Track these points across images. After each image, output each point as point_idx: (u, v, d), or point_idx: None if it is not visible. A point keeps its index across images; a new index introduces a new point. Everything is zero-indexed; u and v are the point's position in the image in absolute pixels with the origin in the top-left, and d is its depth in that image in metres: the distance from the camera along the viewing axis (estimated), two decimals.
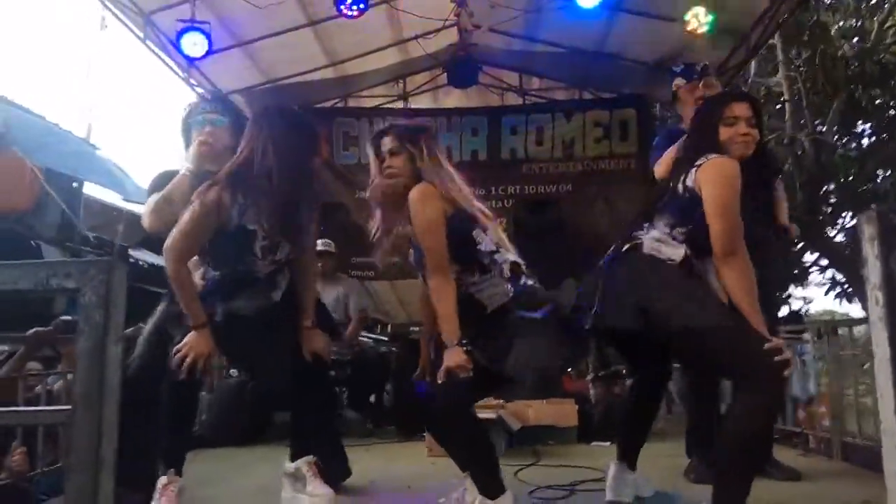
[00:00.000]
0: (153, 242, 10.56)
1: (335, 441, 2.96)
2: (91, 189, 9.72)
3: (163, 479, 2.23)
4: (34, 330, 3.00)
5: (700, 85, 3.08)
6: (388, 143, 2.33)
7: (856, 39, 7.24)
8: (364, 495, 2.89)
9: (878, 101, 7.56)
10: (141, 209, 9.38)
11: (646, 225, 2.25)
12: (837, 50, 6.94)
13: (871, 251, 0.63)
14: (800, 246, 8.71)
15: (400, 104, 6.83)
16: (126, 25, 4.56)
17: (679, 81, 3.19)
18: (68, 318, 3.66)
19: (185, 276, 2.21)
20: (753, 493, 1.95)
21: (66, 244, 8.94)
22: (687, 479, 2.97)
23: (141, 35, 4.63)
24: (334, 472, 2.76)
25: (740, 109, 2.25)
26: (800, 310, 10.44)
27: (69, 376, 3.25)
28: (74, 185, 9.39)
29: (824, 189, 9.19)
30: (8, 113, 8.32)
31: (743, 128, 2.22)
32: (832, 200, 9.58)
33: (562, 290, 5.14)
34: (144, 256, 9.96)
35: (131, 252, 9.50)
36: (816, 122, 7.70)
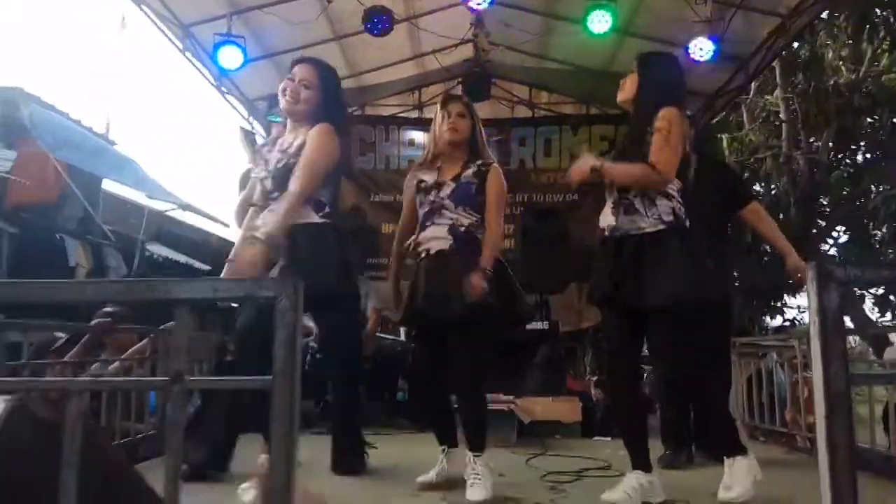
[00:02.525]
0: (167, 237, 10.92)
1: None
2: (107, 185, 10.04)
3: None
4: (97, 320, 3.30)
5: None
6: (458, 107, 2.89)
7: (847, 69, 7.63)
8: (387, 476, 3.20)
9: (867, 130, 7.93)
10: (158, 205, 9.62)
11: None
12: (829, 81, 7.30)
13: (811, 287, 0.95)
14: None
15: (415, 113, 7.14)
16: (167, 37, 4.88)
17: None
18: (109, 309, 3.94)
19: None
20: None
21: (86, 237, 9.25)
22: (660, 467, 3.24)
23: (181, 46, 4.95)
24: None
25: None
26: (793, 319, 10.78)
27: (112, 366, 3.57)
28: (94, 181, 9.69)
29: (819, 203, 9.55)
30: (33, 110, 8.61)
31: None
32: (827, 213, 9.92)
33: (565, 294, 5.41)
34: (159, 250, 10.30)
35: (147, 246, 9.82)
36: (812, 140, 8.04)
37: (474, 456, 2.69)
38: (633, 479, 2.54)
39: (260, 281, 0.99)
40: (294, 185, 2.64)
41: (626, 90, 2.72)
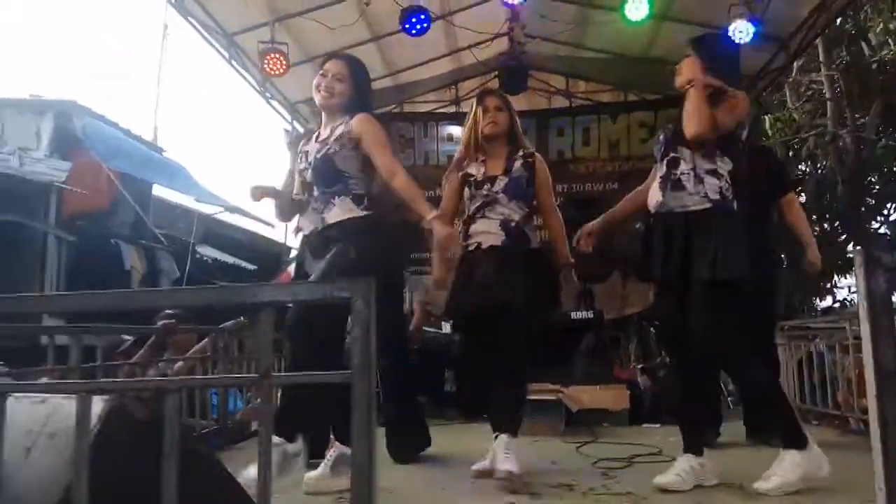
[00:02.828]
0: (215, 239, 11.22)
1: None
2: (158, 190, 10.37)
3: None
4: (163, 322, 3.47)
5: None
6: (495, 101, 3.03)
7: (893, 44, 7.41)
8: (441, 465, 3.30)
9: None
10: (207, 208, 9.91)
11: None
12: (872, 58, 7.11)
13: (859, 272, 1.00)
14: (843, 237, 8.84)
15: (452, 109, 7.21)
16: (213, 46, 5.05)
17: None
18: (171, 311, 4.12)
19: None
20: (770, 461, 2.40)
21: (139, 241, 9.59)
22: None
23: (226, 55, 5.11)
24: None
25: None
26: (844, 299, 10.52)
27: (176, 365, 3.74)
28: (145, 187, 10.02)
29: (868, 181, 9.29)
30: (86, 122, 8.95)
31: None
32: (875, 191, 9.65)
33: (609, 282, 5.43)
34: (208, 252, 10.60)
35: (197, 248, 10.11)
36: (858, 117, 7.83)
37: (507, 436, 2.78)
38: (685, 461, 2.58)
39: (336, 283, 1.08)
40: (391, 178, 2.64)
41: (685, 74, 2.68)
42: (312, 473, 2.52)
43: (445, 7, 5.58)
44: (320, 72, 2.84)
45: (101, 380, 1.90)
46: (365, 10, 5.11)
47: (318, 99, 2.83)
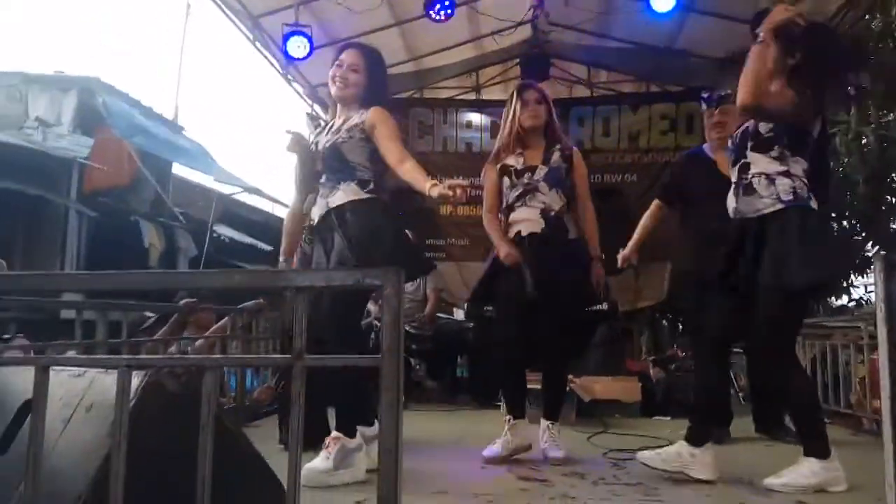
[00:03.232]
0: (232, 219, 11.34)
1: None
2: (177, 169, 10.49)
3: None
4: (185, 300, 3.54)
5: (716, 111, 3.51)
6: (535, 94, 3.11)
7: None
8: (453, 450, 3.36)
9: None
10: (225, 188, 10.04)
11: None
12: None
13: (878, 276, 1.02)
14: (863, 236, 8.76)
15: (472, 95, 7.20)
16: (238, 27, 5.08)
17: (703, 105, 3.67)
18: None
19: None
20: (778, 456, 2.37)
21: (158, 219, 9.73)
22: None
23: (251, 37, 5.14)
24: None
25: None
26: (860, 297, 10.44)
27: (197, 342, 3.83)
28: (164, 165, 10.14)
29: (889, 179, 9.18)
30: (107, 99, 9.06)
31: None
32: None
33: (623, 274, 5.52)
34: (226, 231, 10.72)
35: (215, 228, 10.23)
36: (882, 114, 7.73)
37: (552, 423, 2.97)
38: (677, 446, 2.64)
39: (367, 270, 1.11)
40: (400, 165, 2.58)
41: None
42: (314, 465, 2.49)
43: None
44: (336, 62, 2.76)
45: (143, 356, 1.96)
46: None
47: (332, 90, 2.79)
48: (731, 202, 2.62)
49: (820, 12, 5.05)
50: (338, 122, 2.80)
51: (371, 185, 2.67)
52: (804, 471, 2.44)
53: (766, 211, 2.49)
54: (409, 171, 2.53)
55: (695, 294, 3.64)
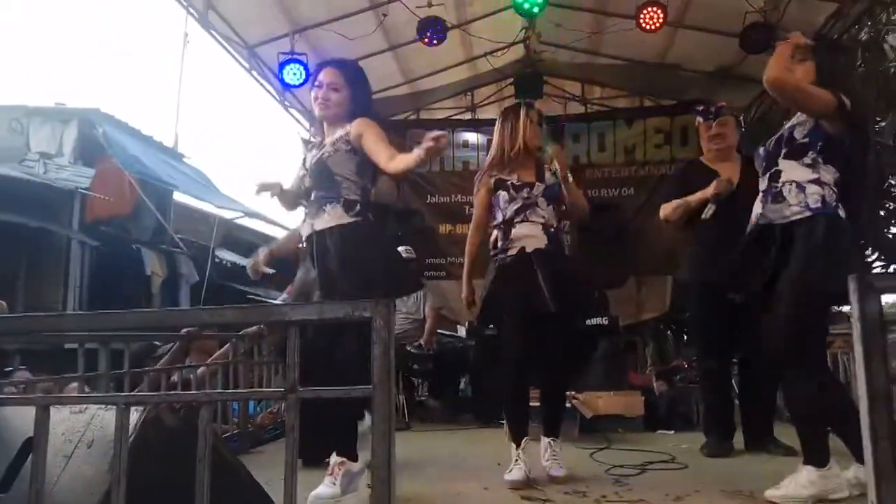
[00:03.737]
0: (233, 243, 11.38)
1: None
2: (178, 196, 10.56)
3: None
4: (187, 329, 3.57)
5: (714, 123, 3.57)
6: (536, 116, 3.15)
7: None
8: (456, 471, 3.36)
9: None
10: (226, 213, 10.08)
11: None
12: (889, 64, 7.11)
13: (853, 297, 1.05)
14: (861, 242, 8.79)
15: (468, 115, 7.27)
16: (234, 57, 5.16)
17: (698, 119, 3.72)
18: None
19: None
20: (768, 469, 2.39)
21: (160, 246, 9.78)
22: (703, 454, 3.49)
23: (247, 66, 5.22)
24: None
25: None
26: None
27: (200, 370, 3.85)
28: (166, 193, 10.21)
29: (887, 185, 9.21)
30: (108, 129, 9.16)
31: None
32: (895, 194, 9.56)
33: (624, 287, 5.55)
34: (227, 256, 10.77)
35: (216, 252, 10.28)
36: (878, 120, 7.79)
37: (553, 440, 2.99)
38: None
39: (357, 303, 1.15)
40: (389, 162, 2.51)
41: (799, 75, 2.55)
42: (319, 493, 2.45)
43: (462, 16, 5.64)
44: (315, 82, 2.73)
45: (140, 393, 1.98)
46: (383, 20, 5.19)
47: (316, 111, 2.77)
48: (756, 208, 2.62)
49: (809, 23, 5.11)
50: (326, 140, 2.77)
51: (357, 207, 2.62)
52: (803, 480, 2.44)
53: (793, 218, 2.47)
54: (399, 163, 2.47)
55: (699, 305, 3.68)
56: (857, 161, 2.56)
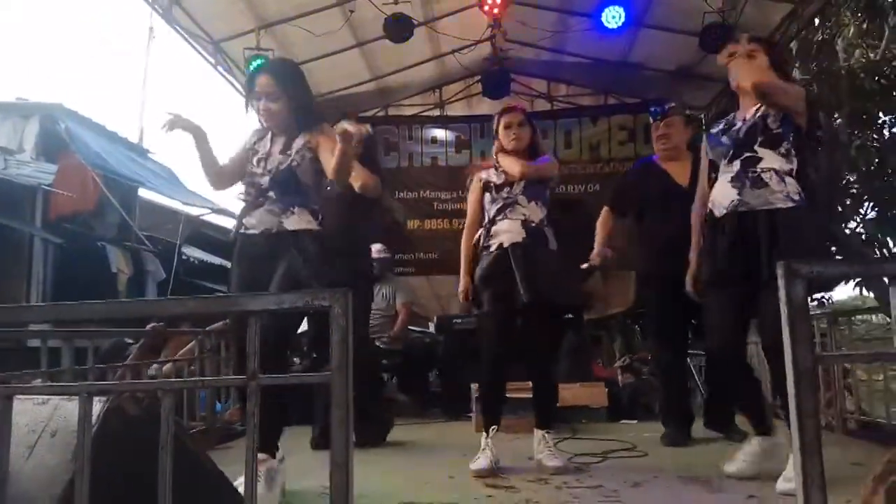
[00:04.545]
0: (200, 240, 11.26)
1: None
2: (143, 193, 10.41)
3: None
4: (152, 325, 3.56)
5: (661, 124, 3.72)
6: (518, 118, 3.21)
7: (862, 52, 7.61)
8: (422, 461, 3.42)
9: (880, 119, 7.90)
10: (192, 210, 9.94)
11: None
12: (842, 63, 7.34)
13: (780, 283, 1.12)
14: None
15: (436, 112, 7.32)
16: (200, 53, 5.13)
17: (650, 119, 3.86)
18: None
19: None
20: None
21: (125, 244, 9.63)
22: (663, 444, 3.59)
23: (213, 61, 5.20)
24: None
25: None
26: (821, 297, 10.71)
27: (165, 366, 3.84)
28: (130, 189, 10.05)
29: (846, 181, 9.48)
30: (70, 124, 8.99)
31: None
32: (853, 191, 9.84)
33: (590, 282, 5.64)
34: (194, 253, 10.65)
35: (183, 249, 10.16)
36: (836, 117, 8.01)
37: (547, 432, 3.07)
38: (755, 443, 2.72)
39: (316, 292, 1.19)
40: (333, 173, 2.60)
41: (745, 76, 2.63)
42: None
43: (428, 13, 5.68)
44: (253, 92, 2.70)
45: (103, 382, 2.00)
46: (350, 17, 5.21)
47: (262, 122, 2.76)
48: (730, 193, 2.60)
49: (764, 25, 5.27)
50: (280, 139, 2.74)
51: (319, 218, 2.71)
52: (755, 448, 2.66)
53: (779, 205, 2.51)
54: (334, 163, 2.54)
55: (656, 299, 3.79)
56: (812, 153, 2.70)
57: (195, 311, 1.22)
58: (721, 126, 2.78)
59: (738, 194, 2.58)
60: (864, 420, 3.91)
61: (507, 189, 3.14)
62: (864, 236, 9.47)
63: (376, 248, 5.45)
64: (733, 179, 2.61)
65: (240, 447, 3.69)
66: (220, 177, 2.81)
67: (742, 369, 2.84)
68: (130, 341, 3.86)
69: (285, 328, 2.54)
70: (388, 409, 4.08)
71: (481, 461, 2.96)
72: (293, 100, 2.68)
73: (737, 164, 2.61)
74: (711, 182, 2.77)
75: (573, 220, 6.61)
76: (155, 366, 3.53)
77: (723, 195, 2.64)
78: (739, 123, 2.68)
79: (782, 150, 2.56)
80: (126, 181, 9.45)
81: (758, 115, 2.62)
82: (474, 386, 4.43)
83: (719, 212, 2.64)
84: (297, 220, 2.65)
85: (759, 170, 2.55)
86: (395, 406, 5.30)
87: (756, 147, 2.59)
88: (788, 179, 2.53)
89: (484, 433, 3.07)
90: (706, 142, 2.85)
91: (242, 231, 2.72)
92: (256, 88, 2.69)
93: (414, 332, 6.23)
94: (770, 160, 2.56)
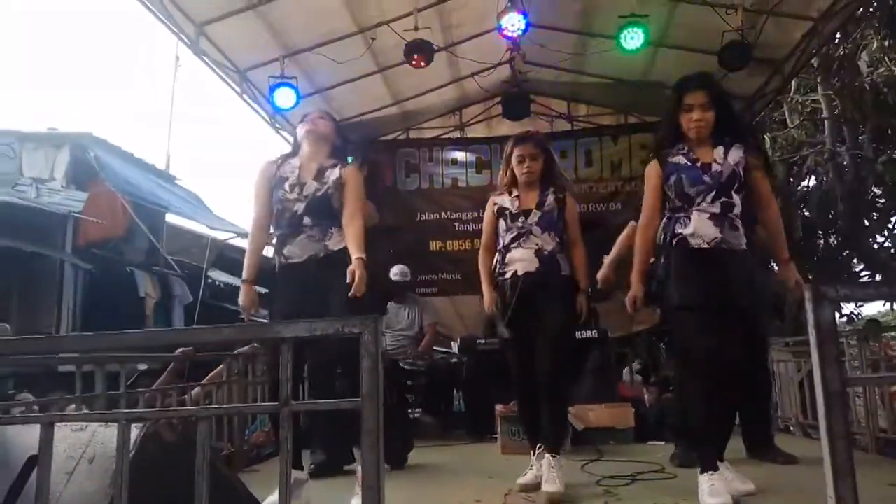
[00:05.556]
0: (226, 263, 11.42)
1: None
2: (171, 218, 10.60)
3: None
4: (181, 349, 3.62)
5: None
6: (530, 149, 3.19)
7: (886, 67, 7.56)
8: (448, 483, 3.41)
9: None
10: (218, 234, 10.11)
11: None
12: (865, 78, 7.29)
13: (808, 306, 1.13)
14: (846, 253, 8.92)
15: (457, 134, 7.38)
16: (226, 82, 5.25)
17: None
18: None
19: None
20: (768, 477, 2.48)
21: (153, 268, 9.80)
22: (672, 465, 3.53)
23: (238, 90, 5.31)
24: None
25: (694, 98, 2.75)
26: (850, 313, 10.54)
27: (194, 391, 3.89)
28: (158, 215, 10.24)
29: (871, 195, 9.37)
30: (100, 153, 9.22)
31: (697, 114, 2.74)
32: (880, 205, 9.72)
33: (612, 301, 5.67)
34: (220, 276, 10.79)
35: (209, 273, 10.30)
36: (861, 131, 7.94)
37: (553, 456, 3.00)
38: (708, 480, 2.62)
39: (347, 319, 1.22)
40: (349, 220, 2.90)
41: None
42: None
43: (448, 38, 5.76)
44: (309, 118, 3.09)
45: (141, 409, 2.04)
46: (371, 44, 5.30)
47: (308, 147, 3.04)
48: (711, 231, 2.71)
49: (784, 42, 5.26)
50: (311, 165, 2.98)
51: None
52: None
53: (740, 248, 2.73)
54: (350, 234, 2.84)
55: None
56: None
57: (230, 338, 1.26)
58: (684, 159, 2.80)
59: (720, 233, 2.72)
60: None
61: (521, 219, 3.17)
62: (892, 250, 9.34)
63: (396, 271, 5.51)
64: (714, 218, 2.73)
65: (266, 470, 3.74)
66: (266, 229, 3.06)
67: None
68: (144, 367, 3.93)
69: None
70: (407, 430, 4.08)
71: (526, 476, 3.10)
72: (336, 140, 3.08)
73: (717, 206, 2.74)
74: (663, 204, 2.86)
75: (596, 238, 6.64)
76: (181, 390, 3.58)
77: (703, 229, 2.74)
78: (717, 166, 2.76)
79: (742, 197, 2.75)
80: (153, 207, 9.63)
81: (734, 163, 2.76)
82: (499, 407, 4.42)
83: (697, 243, 2.74)
84: (338, 240, 2.88)
85: (733, 216, 2.73)
86: (417, 428, 5.31)
87: (732, 193, 2.75)
88: (740, 223, 2.75)
89: (531, 453, 3.18)
90: (678, 173, 2.80)
91: (284, 262, 2.92)
92: (309, 124, 3.06)
93: (438, 353, 6.23)
94: (738, 207, 2.74)
